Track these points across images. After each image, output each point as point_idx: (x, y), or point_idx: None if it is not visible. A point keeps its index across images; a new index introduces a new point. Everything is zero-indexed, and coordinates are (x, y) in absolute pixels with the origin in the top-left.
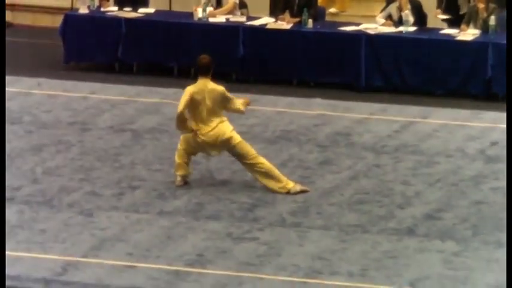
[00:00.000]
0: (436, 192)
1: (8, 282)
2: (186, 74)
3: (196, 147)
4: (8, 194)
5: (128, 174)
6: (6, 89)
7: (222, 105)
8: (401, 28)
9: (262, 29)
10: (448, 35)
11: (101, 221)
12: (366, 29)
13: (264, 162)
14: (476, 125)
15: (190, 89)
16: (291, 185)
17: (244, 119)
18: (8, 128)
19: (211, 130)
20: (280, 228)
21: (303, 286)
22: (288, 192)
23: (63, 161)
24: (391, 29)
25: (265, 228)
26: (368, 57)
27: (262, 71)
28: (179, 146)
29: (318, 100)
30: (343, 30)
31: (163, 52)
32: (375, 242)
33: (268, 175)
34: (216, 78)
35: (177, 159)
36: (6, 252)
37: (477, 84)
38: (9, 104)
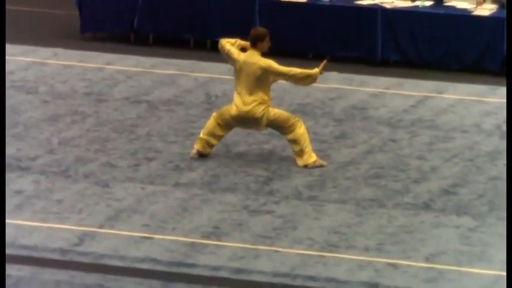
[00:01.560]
0: (452, 168)
1: (24, 252)
2: (202, 46)
3: (230, 121)
4: (24, 163)
5: (144, 146)
6: (22, 58)
7: (266, 80)
8: (417, 2)
9: (278, 1)
10: (465, 9)
11: (117, 192)
12: (382, 2)
13: (297, 131)
14: (492, 100)
15: (241, 53)
16: (313, 158)
17: None
18: (24, 97)
19: (245, 106)
20: (296, 202)
21: (318, 259)
22: (306, 166)
23: (79, 131)
24: (407, 3)
25: (281, 201)
26: (384, 31)
27: (278, 44)
28: (208, 122)
29: (334, 74)
30: (360, 4)
31: (179, 24)
32: (391, 216)
33: (296, 143)
34: None
35: (201, 133)
36: (23, 222)
37: (493, 60)
38: (25, 74)
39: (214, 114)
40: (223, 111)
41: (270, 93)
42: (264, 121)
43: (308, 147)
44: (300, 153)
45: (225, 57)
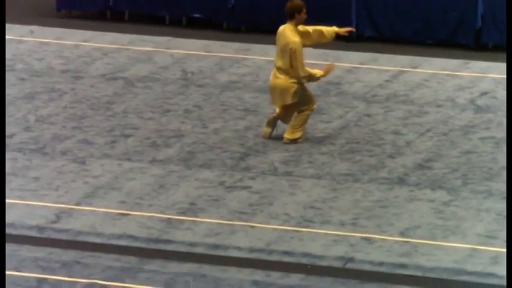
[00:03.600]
0: (427, 142)
1: None
2: (178, 23)
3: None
4: None
5: (120, 123)
6: None
7: (288, 58)
8: None
9: None
10: None
11: (94, 169)
12: None
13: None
14: (466, 74)
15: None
16: (295, 136)
17: (235, 68)
18: None
19: (274, 77)
20: (272, 177)
21: (294, 235)
22: (284, 139)
23: (55, 109)
24: None
25: (257, 177)
26: (358, 7)
27: (252, 20)
28: None
29: (309, 49)
30: None
31: (155, 1)
32: (366, 191)
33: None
34: (207, 27)
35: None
36: None
37: (467, 34)
38: None
39: None
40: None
41: (306, 68)
42: (289, 96)
43: (303, 126)
44: (293, 128)
45: None
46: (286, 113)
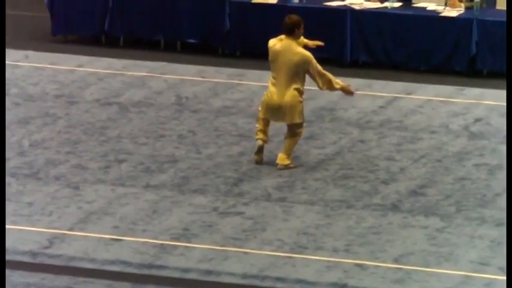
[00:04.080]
0: (420, 168)
1: None
2: (173, 48)
3: (267, 112)
4: None
5: (114, 148)
6: None
7: (303, 71)
8: (386, 3)
9: (248, 3)
10: (433, 10)
11: (88, 194)
12: (351, 4)
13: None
14: (460, 101)
15: (272, 41)
16: (287, 162)
17: (229, 94)
18: None
19: (281, 96)
20: (266, 203)
21: (287, 261)
22: (277, 165)
23: (50, 133)
24: (376, 4)
25: (251, 202)
26: (353, 33)
27: (248, 45)
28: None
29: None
30: (329, 5)
31: (150, 25)
32: (359, 217)
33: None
34: (202, 51)
35: (257, 124)
36: None
37: (461, 61)
38: None
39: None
40: (262, 102)
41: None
42: (296, 114)
43: (291, 151)
44: (286, 153)
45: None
46: (267, 129)
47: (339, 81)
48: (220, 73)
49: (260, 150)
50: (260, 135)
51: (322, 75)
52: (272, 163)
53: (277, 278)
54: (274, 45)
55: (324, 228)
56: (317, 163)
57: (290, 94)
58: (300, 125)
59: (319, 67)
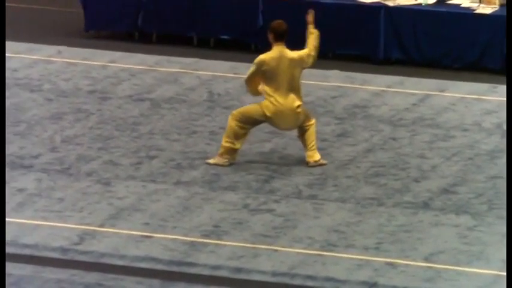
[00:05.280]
0: (452, 166)
1: (25, 251)
2: (206, 44)
3: (262, 120)
4: (26, 162)
5: (146, 144)
6: (27, 56)
7: (299, 74)
8: (420, 0)
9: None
10: (467, 8)
11: (119, 191)
12: (385, 0)
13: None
14: (493, 99)
15: (261, 57)
16: (317, 157)
17: None
18: (28, 95)
19: (287, 103)
20: (296, 200)
21: (318, 259)
22: (307, 164)
23: (81, 129)
24: (410, 1)
25: (282, 200)
26: (386, 30)
27: None
28: (231, 123)
29: (336, 72)
30: (362, 2)
31: (183, 21)
32: (390, 215)
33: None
34: (235, 48)
35: (224, 141)
36: (24, 221)
37: (495, 58)
38: (29, 72)
39: (232, 116)
40: (249, 112)
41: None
42: (301, 118)
43: (314, 145)
44: (310, 149)
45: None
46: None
47: (314, 45)
48: None
49: (235, 151)
50: (238, 145)
51: (314, 55)
52: (303, 160)
53: (307, 276)
54: (266, 56)
55: (355, 226)
56: (348, 160)
57: (291, 97)
58: (307, 120)
59: (310, 51)
